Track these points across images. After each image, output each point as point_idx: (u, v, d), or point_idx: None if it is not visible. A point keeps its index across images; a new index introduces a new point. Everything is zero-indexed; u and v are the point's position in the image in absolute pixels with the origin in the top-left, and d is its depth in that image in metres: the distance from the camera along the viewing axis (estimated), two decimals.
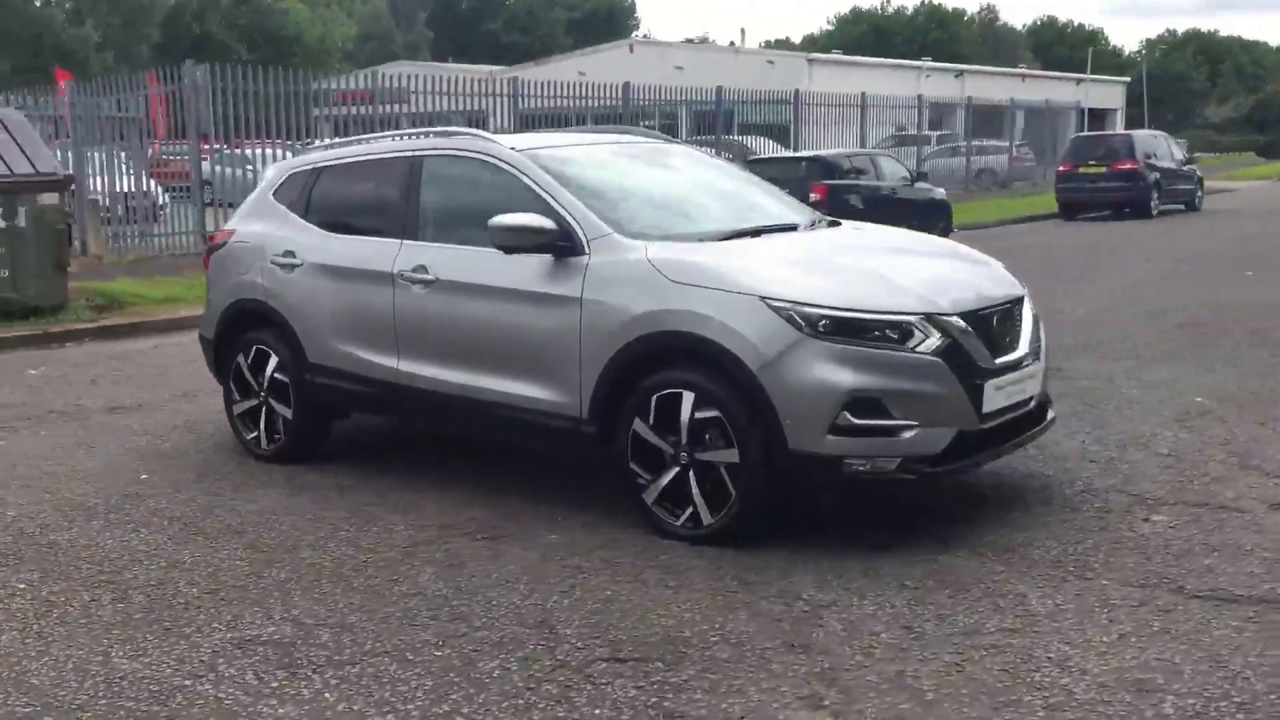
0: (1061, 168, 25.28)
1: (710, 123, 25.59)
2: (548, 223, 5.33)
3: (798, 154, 21.40)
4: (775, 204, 6.34)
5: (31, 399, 8.43)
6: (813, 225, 6.09)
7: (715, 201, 6.15)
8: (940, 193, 20.06)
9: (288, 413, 6.47)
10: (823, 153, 20.37)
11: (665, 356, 5.03)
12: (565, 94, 21.75)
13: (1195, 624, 4.05)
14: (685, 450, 4.96)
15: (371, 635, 4.15)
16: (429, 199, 6.05)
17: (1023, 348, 5.24)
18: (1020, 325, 5.34)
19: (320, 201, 6.59)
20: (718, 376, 4.86)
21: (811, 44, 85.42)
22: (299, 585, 4.65)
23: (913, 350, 4.75)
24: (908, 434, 4.73)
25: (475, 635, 4.11)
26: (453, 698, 3.65)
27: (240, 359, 6.70)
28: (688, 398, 4.92)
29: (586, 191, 5.59)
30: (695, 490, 4.96)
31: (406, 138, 6.61)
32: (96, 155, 17.16)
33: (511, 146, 5.87)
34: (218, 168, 17.88)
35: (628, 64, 36.97)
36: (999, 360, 5.02)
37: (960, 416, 4.85)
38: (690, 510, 4.98)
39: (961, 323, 4.89)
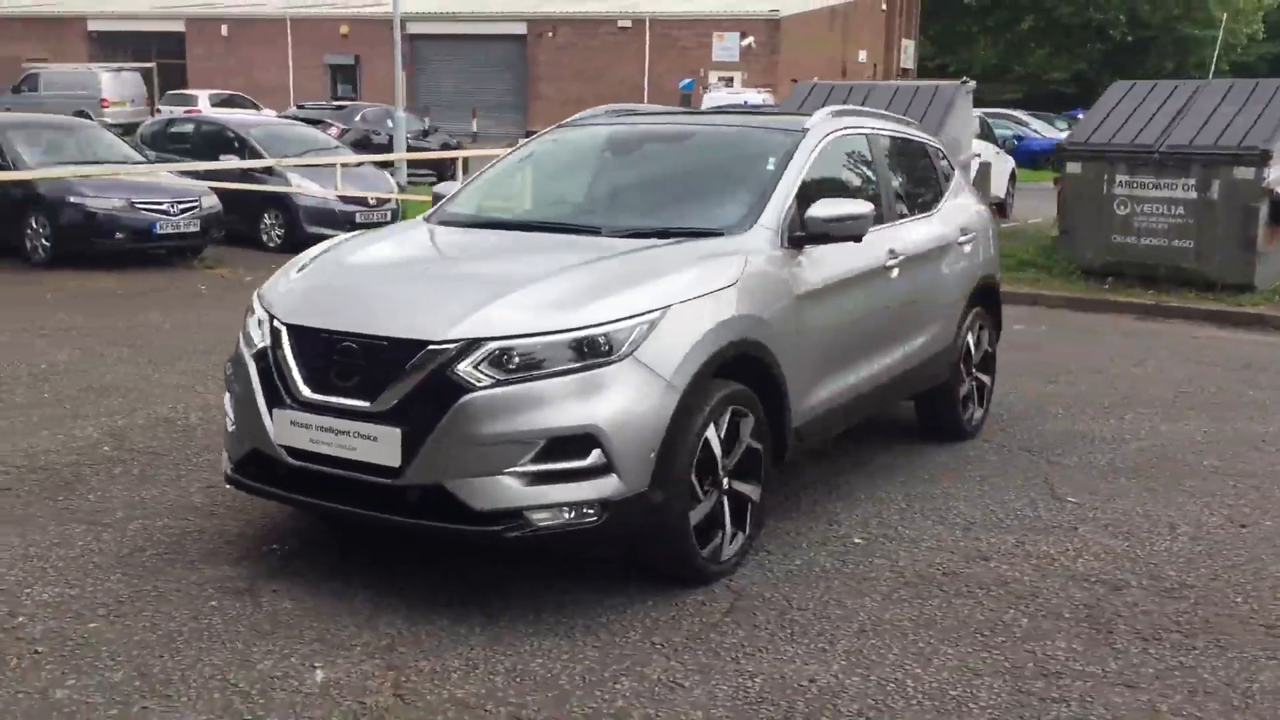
0: None
1: None
2: None
3: None
4: (738, 206, 5.16)
5: None
6: (632, 234, 5.02)
7: (629, 194, 5.67)
8: None
9: None
10: None
11: None
12: None
13: None
14: None
15: None
16: None
17: (378, 400, 4.13)
18: (395, 377, 4.12)
19: None
20: None
21: None
22: None
23: (248, 341, 4.60)
24: (229, 429, 4.66)
25: None
26: None
27: None
28: None
29: (535, 169, 6.13)
30: None
31: None
32: None
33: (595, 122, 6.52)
34: None
35: None
36: (314, 395, 4.25)
37: (255, 434, 4.43)
38: None
39: (283, 331, 4.41)
